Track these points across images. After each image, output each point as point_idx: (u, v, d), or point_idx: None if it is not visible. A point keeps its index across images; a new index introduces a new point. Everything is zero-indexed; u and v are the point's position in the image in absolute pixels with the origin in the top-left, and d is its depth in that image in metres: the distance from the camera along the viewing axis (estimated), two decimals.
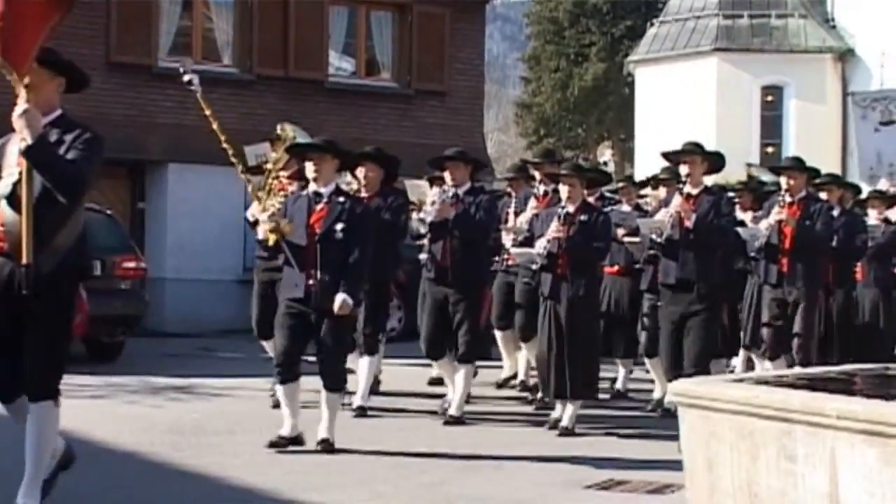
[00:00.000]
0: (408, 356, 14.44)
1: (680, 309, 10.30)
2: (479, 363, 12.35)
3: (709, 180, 11.02)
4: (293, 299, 9.45)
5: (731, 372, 12.50)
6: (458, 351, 11.29)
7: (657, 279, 10.91)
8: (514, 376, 13.52)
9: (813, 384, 5.47)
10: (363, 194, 11.25)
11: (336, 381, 9.56)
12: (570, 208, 10.68)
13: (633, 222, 11.75)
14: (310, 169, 9.64)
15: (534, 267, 11.06)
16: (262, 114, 20.68)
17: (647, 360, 12.18)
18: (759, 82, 31.62)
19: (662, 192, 12.08)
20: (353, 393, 11.60)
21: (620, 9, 43.74)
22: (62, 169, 6.46)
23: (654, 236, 10.44)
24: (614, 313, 12.61)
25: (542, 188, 12.37)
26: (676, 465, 6.21)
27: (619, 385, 13.23)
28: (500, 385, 13.65)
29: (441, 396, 11.95)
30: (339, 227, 9.42)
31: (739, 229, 11.41)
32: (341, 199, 9.62)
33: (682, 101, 31.05)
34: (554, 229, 10.59)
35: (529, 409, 12.13)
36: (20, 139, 6.43)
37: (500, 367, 13.83)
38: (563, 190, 10.80)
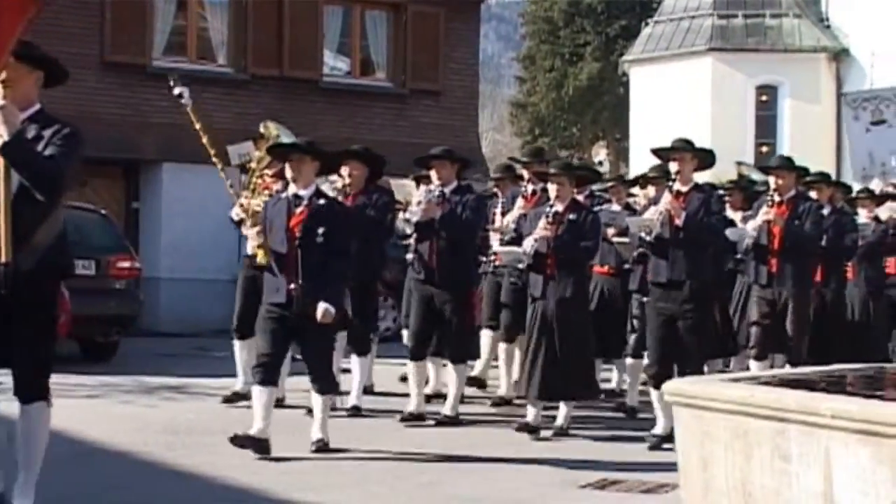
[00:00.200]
0: (402, 356, 14.41)
1: (670, 307, 10.13)
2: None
3: (702, 178, 10.94)
4: (275, 304, 9.35)
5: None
6: (449, 352, 11.22)
7: (646, 279, 10.83)
8: (484, 384, 13.13)
9: (807, 384, 5.47)
10: (348, 192, 11.22)
11: (326, 385, 9.51)
12: (559, 207, 10.57)
13: (622, 222, 11.60)
14: (289, 170, 9.50)
15: (520, 266, 11.01)
16: (256, 113, 20.55)
17: (628, 360, 12.01)
18: (753, 82, 31.61)
19: (651, 190, 11.94)
20: (346, 393, 11.63)
21: (615, 8, 43.74)
22: (40, 165, 6.31)
23: (643, 234, 10.31)
24: (605, 314, 12.48)
25: (529, 187, 12.19)
26: (671, 465, 6.21)
27: (613, 385, 13.17)
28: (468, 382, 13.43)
29: (439, 396, 11.93)
30: (319, 230, 9.27)
31: (727, 230, 11.30)
32: (322, 201, 9.48)
33: (677, 100, 31.05)
34: (542, 228, 10.48)
35: (522, 410, 12.07)
36: None
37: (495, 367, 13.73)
38: (552, 189, 10.69)
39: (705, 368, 11.40)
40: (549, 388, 10.47)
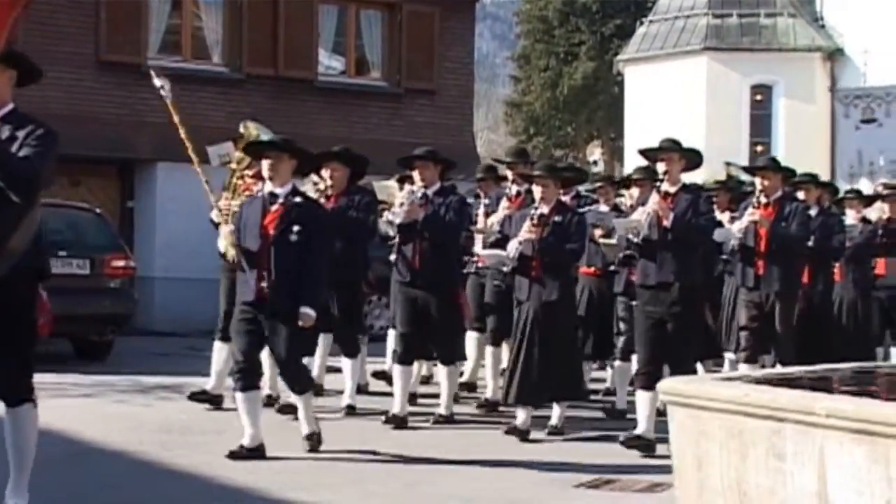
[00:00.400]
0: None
1: (659, 310, 9.94)
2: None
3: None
4: (247, 303, 9.23)
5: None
6: (439, 353, 11.19)
7: (631, 282, 10.74)
8: (474, 386, 13.15)
9: (802, 383, 5.48)
10: (329, 193, 11.15)
11: (300, 384, 9.43)
12: (544, 209, 10.45)
13: (609, 223, 11.44)
14: (265, 168, 9.33)
15: (504, 269, 10.93)
16: (251, 113, 20.56)
17: (616, 363, 11.92)
18: (748, 81, 31.65)
19: (636, 191, 11.68)
20: (341, 392, 11.64)
21: (610, 8, 43.77)
22: (15, 167, 6.09)
23: (630, 236, 10.13)
24: (593, 315, 12.37)
25: (514, 188, 12.06)
26: (666, 464, 6.22)
27: (609, 384, 13.11)
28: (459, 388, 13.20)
29: (431, 396, 11.93)
30: (294, 228, 9.11)
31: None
32: (298, 199, 9.31)
33: (672, 100, 31.07)
34: (526, 230, 10.35)
35: (513, 411, 12.01)
36: None
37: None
38: (537, 190, 10.56)
39: (700, 369, 11.42)
40: (536, 392, 10.37)
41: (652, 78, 32.54)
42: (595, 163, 33.28)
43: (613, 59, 36.85)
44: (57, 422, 10.48)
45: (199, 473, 8.61)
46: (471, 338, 12.80)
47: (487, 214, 12.10)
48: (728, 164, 17.49)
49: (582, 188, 13.87)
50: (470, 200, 12.44)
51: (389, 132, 22.86)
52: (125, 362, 15.00)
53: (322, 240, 9.36)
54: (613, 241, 11.15)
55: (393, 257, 11.40)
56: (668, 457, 5.69)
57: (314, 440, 9.46)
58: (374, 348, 13.19)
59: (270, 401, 11.15)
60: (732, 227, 11.26)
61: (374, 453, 9.55)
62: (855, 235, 13.23)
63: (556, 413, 10.68)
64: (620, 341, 11.81)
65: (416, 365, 11.71)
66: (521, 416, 10.49)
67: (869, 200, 14.57)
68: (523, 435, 10.40)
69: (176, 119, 9.80)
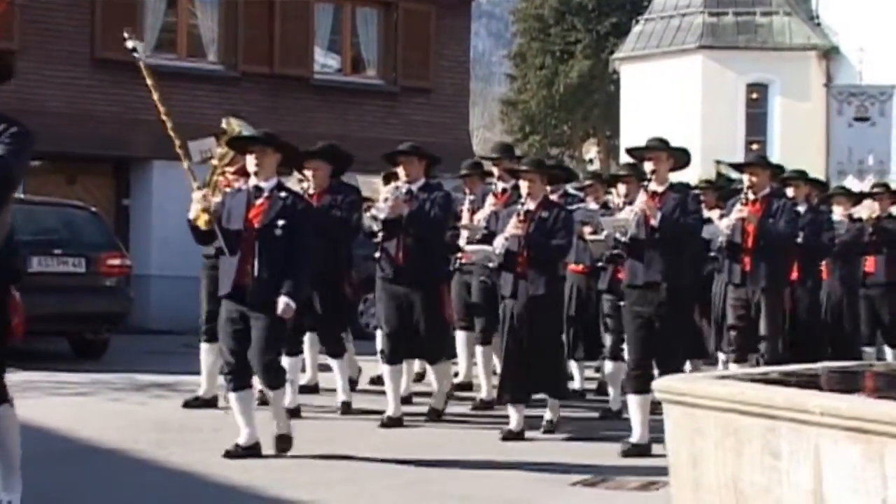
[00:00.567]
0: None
1: (647, 310, 9.77)
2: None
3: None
4: (229, 298, 9.11)
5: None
6: (426, 353, 11.10)
7: (617, 279, 10.65)
8: (470, 386, 13.05)
9: (797, 381, 5.48)
10: (311, 192, 11.07)
11: (273, 379, 9.14)
12: (531, 205, 10.34)
13: (598, 220, 11.21)
14: (251, 162, 9.25)
15: (490, 265, 10.84)
16: (247, 111, 20.62)
17: (607, 364, 11.78)
18: (744, 80, 31.68)
19: (622, 189, 11.26)
20: (332, 390, 11.63)
21: (606, 6, 43.78)
22: None
23: (617, 235, 9.96)
24: (580, 313, 12.33)
25: (499, 185, 11.98)
26: (661, 462, 6.22)
27: (577, 385, 12.91)
28: (453, 387, 12.96)
29: (427, 395, 11.92)
30: (279, 222, 9.02)
31: None
32: (283, 194, 9.21)
33: (668, 98, 31.10)
34: (513, 226, 10.26)
35: (510, 411, 11.93)
36: None
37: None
38: (524, 186, 10.44)
39: (687, 369, 11.38)
40: (523, 388, 10.32)
41: (648, 76, 32.56)
42: (591, 161, 33.22)
43: (609, 58, 36.88)
44: (52, 420, 10.49)
45: (195, 472, 8.60)
46: (459, 336, 12.76)
47: (473, 211, 11.99)
48: (718, 162, 17.50)
49: (570, 187, 13.81)
50: (458, 196, 12.41)
51: (385, 130, 22.84)
52: (121, 360, 14.99)
53: (307, 234, 9.22)
54: (601, 237, 11.01)
55: (377, 254, 11.23)
56: (663, 455, 5.70)
57: (284, 442, 9.24)
58: (370, 347, 13.14)
59: (265, 399, 11.10)
60: (720, 224, 11.18)
61: (369, 452, 9.53)
62: (842, 232, 13.15)
63: (550, 408, 10.66)
64: (609, 341, 11.70)
65: (406, 364, 11.65)
66: (515, 417, 10.42)
67: (857, 198, 14.54)
68: (519, 437, 10.34)
69: (150, 81, 9.66)
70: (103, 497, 8.01)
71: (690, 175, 15.05)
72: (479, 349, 12.30)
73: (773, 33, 31.93)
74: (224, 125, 10.95)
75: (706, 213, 12.36)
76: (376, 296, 11.59)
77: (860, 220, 13.95)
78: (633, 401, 9.89)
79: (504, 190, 11.87)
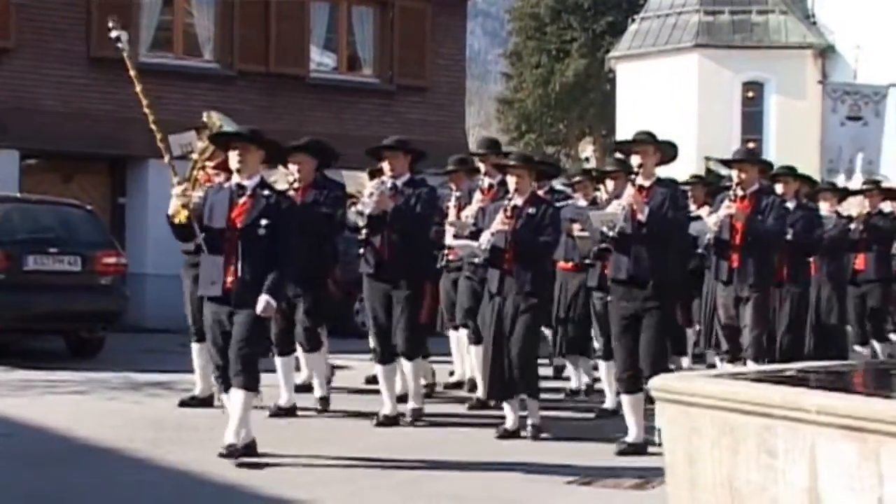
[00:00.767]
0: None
1: (633, 306, 9.69)
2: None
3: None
4: (213, 300, 8.98)
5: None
6: (401, 348, 10.82)
7: (606, 276, 10.51)
8: (462, 384, 13.01)
9: (793, 379, 5.49)
10: (297, 186, 10.87)
11: (247, 381, 8.80)
12: (518, 201, 10.25)
13: (587, 215, 10.90)
14: (233, 159, 9.07)
15: (476, 261, 10.75)
16: (243, 110, 20.62)
17: (601, 364, 11.72)
18: (739, 78, 31.67)
19: (611, 184, 11.24)
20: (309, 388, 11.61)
21: (601, 5, 43.79)
22: None
23: (604, 229, 9.77)
24: (568, 310, 12.28)
25: (486, 181, 11.85)
26: (657, 461, 6.22)
27: (573, 385, 12.92)
28: (447, 387, 13.15)
29: (426, 394, 11.90)
30: (263, 222, 8.86)
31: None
32: (266, 192, 9.05)
33: (664, 97, 31.08)
34: (499, 222, 10.17)
35: (505, 410, 11.84)
36: None
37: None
38: (511, 181, 10.35)
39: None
40: (511, 386, 10.22)
41: (643, 75, 32.55)
42: (587, 160, 33.14)
43: (605, 57, 36.85)
44: (47, 418, 10.48)
45: (191, 470, 8.59)
46: (452, 336, 12.71)
47: (459, 207, 11.91)
48: (707, 158, 17.45)
49: (557, 184, 13.75)
50: (444, 192, 12.34)
51: (381, 129, 22.74)
52: (116, 359, 14.97)
53: (290, 233, 9.11)
54: (587, 233, 10.93)
55: (362, 250, 11.07)
56: (660, 454, 5.70)
57: (233, 451, 8.83)
58: (365, 345, 13.13)
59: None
60: (708, 221, 11.11)
61: (364, 452, 9.52)
62: (829, 228, 13.07)
63: (530, 410, 10.39)
64: (601, 340, 11.62)
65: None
66: (510, 416, 10.38)
67: (843, 193, 14.50)
68: (515, 435, 10.31)
69: (132, 73, 9.60)
70: (99, 496, 8.00)
71: (684, 172, 15.04)
72: (473, 349, 12.21)
73: (769, 32, 31.92)
74: (205, 118, 10.84)
75: (695, 210, 12.33)
76: (363, 293, 11.36)
77: (850, 216, 13.92)
78: (626, 401, 9.87)
79: (491, 185, 11.74)
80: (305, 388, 12.10)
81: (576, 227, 11.57)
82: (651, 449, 9.29)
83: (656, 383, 5.54)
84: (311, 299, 11.07)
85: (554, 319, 12.41)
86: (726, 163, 11.72)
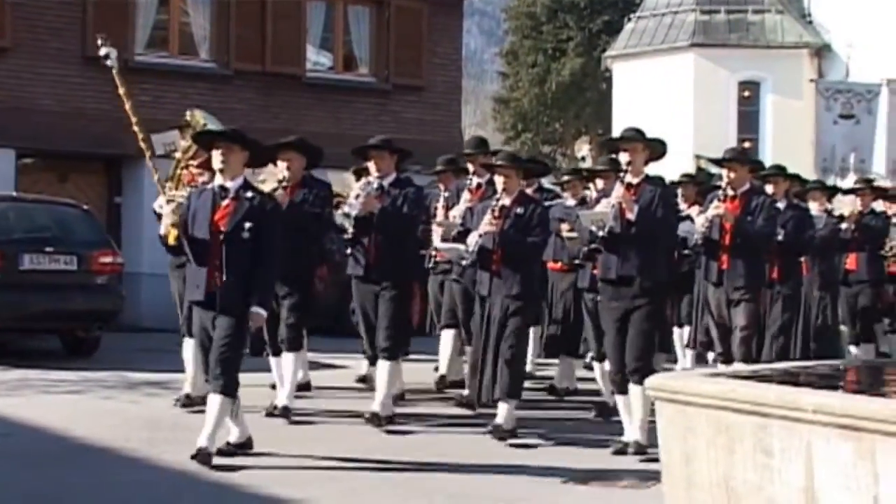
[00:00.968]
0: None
1: (622, 305, 9.57)
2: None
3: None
4: (198, 304, 8.86)
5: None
6: (382, 347, 10.58)
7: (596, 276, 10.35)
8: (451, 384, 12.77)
9: (788, 379, 5.49)
10: (286, 185, 10.70)
11: (225, 385, 8.68)
12: (506, 201, 10.15)
13: (576, 215, 10.79)
14: (216, 159, 8.87)
15: (463, 263, 10.64)
16: (239, 109, 20.63)
17: (595, 366, 11.55)
18: (736, 77, 31.67)
19: (600, 182, 11.08)
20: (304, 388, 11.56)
21: (598, 4, 43.81)
22: None
23: (594, 228, 9.62)
24: (557, 311, 12.23)
25: (475, 180, 11.78)
26: (654, 460, 6.22)
27: (556, 382, 12.81)
28: (440, 387, 12.86)
29: (419, 392, 11.90)
30: (246, 225, 8.68)
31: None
32: (249, 194, 8.85)
33: (660, 96, 31.08)
34: (487, 223, 10.08)
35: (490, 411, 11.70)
36: None
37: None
38: (499, 181, 10.24)
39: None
40: (489, 391, 10.11)
41: (640, 74, 32.55)
42: (583, 159, 33.13)
43: (601, 56, 36.84)
44: (44, 418, 10.47)
45: (187, 469, 8.58)
46: (443, 336, 12.64)
47: (447, 207, 11.87)
48: (698, 156, 17.39)
49: (546, 182, 13.69)
50: (432, 192, 12.28)
51: (377, 128, 22.66)
52: (112, 358, 14.95)
53: (275, 236, 8.94)
54: (575, 234, 10.84)
55: (349, 251, 10.94)
56: (656, 454, 5.70)
57: (203, 456, 8.64)
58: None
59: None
60: (697, 221, 11.03)
61: (358, 451, 9.51)
62: (820, 229, 12.98)
63: (501, 412, 10.22)
64: (595, 343, 11.57)
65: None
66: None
67: (832, 192, 14.41)
68: (512, 434, 10.23)
69: (121, 91, 9.54)
70: (96, 495, 8.00)
71: (680, 171, 15.01)
72: (468, 349, 12.12)
73: (766, 31, 31.92)
74: (188, 117, 10.75)
75: (685, 209, 12.28)
76: (353, 294, 11.21)
77: (841, 215, 13.84)
78: (622, 401, 9.85)
79: (479, 185, 11.68)
80: (302, 386, 12.10)
81: (564, 226, 11.53)
82: (648, 449, 9.28)
83: (653, 382, 5.55)
84: (296, 299, 10.86)
85: (547, 319, 12.37)
86: (717, 162, 11.60)
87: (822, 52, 31.60)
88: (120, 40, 21.24)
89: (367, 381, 12.56)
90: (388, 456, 9.31)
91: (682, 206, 12.38)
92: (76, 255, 15.04)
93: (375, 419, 10.47)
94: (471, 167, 12.06)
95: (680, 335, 13.54)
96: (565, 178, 13.21)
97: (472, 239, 10.16)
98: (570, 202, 12.36)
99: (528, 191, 11.22)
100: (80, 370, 13.75)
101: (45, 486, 7.86)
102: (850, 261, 14.05)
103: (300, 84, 23.04)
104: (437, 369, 13.05)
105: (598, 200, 10.17)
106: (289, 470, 8.72)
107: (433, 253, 11.98)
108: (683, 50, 31.89)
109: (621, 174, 9.74)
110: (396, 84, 24.16)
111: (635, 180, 9.67)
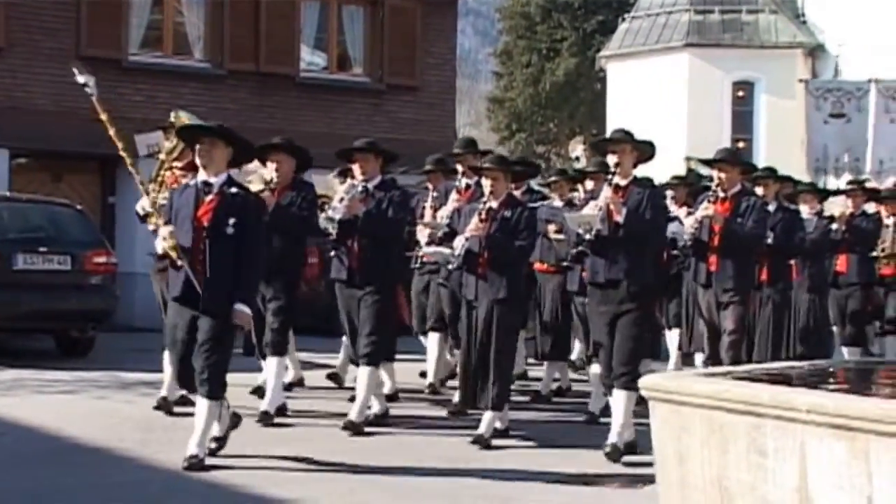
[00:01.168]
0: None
1: (611, 308, 9.46)
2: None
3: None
4: (178, 300, 8.65)
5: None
6: (365, 352, 10.31)
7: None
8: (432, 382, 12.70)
9: (782, 379, 5.49)
10: (274, 186, 10.58)
11: (212, 389, 8.56)
12: (493, 203, 9.99)
13: (563, 217, 10.71)
14: (199, 155, 8.71)
15: (450, 267, 10.56)
16: (233, 109, 20.64)
17: (590, 368, 11.40)
18: (730, 77, 31.68)
19: (590, 184, 11.02)
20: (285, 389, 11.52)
21: (592, 4, 43.85)
22: None
23: (580, 231, 9.52)
24: (545, 313, 12.17)
25: (464, 181, 11.69)
26: (648, 460, 6.22)
27: (542, 389, 12.68)
28: (432, 390, 12.75)
29: (414, 392, 11.90)
30: (230, 221, 8.51)
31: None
32: (233, 190, 8.68)
33: (654, 96, 31.10)
34: (473, 226, 9.94)
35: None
36: None
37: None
38: (486, 183, 10.10)
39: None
40: (483, 393, 10.00)
41: (634, 74, 32.57)
42: (577, 159, 33.22)
43: (595, 56, 36.85)
44: (38, 418, 10.46)
45: (180, 469, 8.57)
46: (426, 341, 12.58)
47: (436, 208, 11.81)
48: (688, 158, 17.34)
49: (534, 183, 13.66)
50: (422, 193, 12.22)
51: (371, 128, 22.79)
52: (106, 358, 14.95)
53: (259, 232, 8.79)
54: (563, 236, 10.73)
55: (333, 253, 10.72)
56: (650, 454, 5.70)
57: (195, 462, 8.57)
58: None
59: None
60: (686, 222, 10.97)
61: (356, 451, 9.53)
62: (810, 231, 12.88)
63: (485, 421, 10.09)
64: (583, 344, 11.51)
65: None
66: (498, 415, 10.29)
67: (823, 195, 14.34)
68: (504, 434, 10.22)
69: (103, 117, 9.45)
70: (89, 495, 7.98)
71: (673, 172, 15.00)
72: (457, 352, 12.00)
73: (759, 31, 31.95)
74: (172, 118, 10.66)
75: (675, 211, 12.24)
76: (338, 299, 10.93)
77: (831, 217, 13.77)
78: (613, 402, 9.83)
79: (468, 186, 11.60)
80: (297, 385, 12.10)
81: (551, 227, 11.48)
82: (641, 449, 9.28)
83: (647, 382, 5.55)
84: (281, 302, 10.73)
85: (537, 322, 12.34)
86: (707, 163, 11.52)
87: (815, 52, 31.63)
88: (114, 40, 21.32)
89: (336, 379, 12.56)
90: (381, 456, 9.31)
91: (673, 207, 12.31)
92: (70, 254, 15.04)
93: (351, 426, 10.25)
94: (460, 168, 11.98)
95: (670, 338, 13.54)
96: (552, 178, 13.11)
97: (459, 242, 10.04)
98: (557, 203, 12.28)
99: (517, 192, 11.12)
100: (74, 370, 13.74)
101: (37, 486, 7.85)
102: (840, 263, 13.97)
103: (294, 84, 23.05)
104: (423, 374, 12.97)
105: (586, 202, 10.08)
106: (282, 470, 8.70)
107: (420, 254, 11.84)
108: (677, 50, 31.91)
109: (609, 176, 9.66)
110: (391, 84, 24.17)
111: (623, 182, 9.57)
